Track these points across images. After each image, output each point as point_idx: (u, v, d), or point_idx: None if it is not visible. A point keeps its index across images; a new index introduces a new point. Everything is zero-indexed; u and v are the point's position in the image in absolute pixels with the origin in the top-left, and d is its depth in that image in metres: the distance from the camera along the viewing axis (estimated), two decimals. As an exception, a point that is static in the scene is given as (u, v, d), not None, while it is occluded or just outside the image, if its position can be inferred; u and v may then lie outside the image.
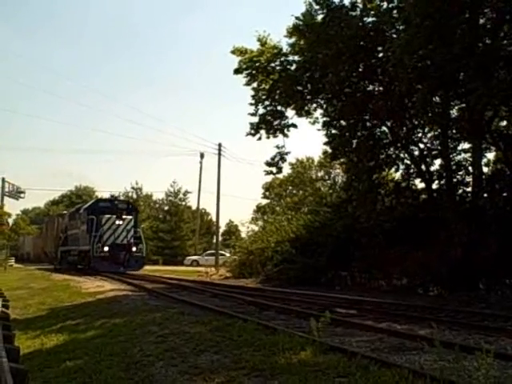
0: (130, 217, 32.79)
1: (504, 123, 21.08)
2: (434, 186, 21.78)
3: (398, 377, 5.69)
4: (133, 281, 23.09)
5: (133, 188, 70.20)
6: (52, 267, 41.47)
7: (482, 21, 17.94)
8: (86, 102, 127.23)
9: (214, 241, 50.12)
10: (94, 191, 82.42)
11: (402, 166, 23.06)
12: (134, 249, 31.54)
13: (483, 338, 8.39)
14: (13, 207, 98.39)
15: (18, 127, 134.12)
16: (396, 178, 25.13)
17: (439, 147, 21.56)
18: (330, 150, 25.73)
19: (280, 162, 25.47)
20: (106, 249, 30.55)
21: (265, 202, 65.66)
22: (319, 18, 22.01)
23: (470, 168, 20.73)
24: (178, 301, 14.81)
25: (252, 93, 24.91)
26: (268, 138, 25.11)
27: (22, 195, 58.37)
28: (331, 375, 6.09)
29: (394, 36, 19.56)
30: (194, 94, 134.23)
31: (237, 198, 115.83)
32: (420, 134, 22.61)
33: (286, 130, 25.01)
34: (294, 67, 23.80)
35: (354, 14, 21.33)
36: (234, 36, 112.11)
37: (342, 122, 23.59)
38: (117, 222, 31.40)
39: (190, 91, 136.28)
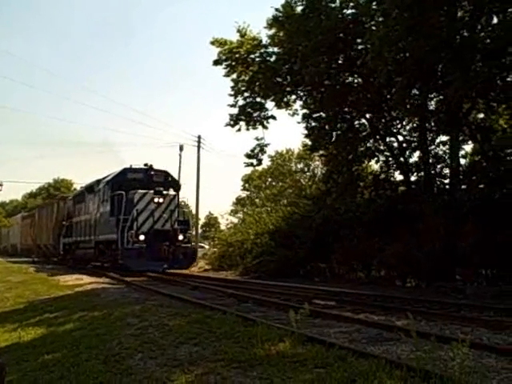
0: (174, 193, 24.52)
1: (481, 115, 21.30)
2: (413, 178, 22.00)
3: (376, 367, 5.75)
4: (112, 274, 22.95)
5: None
6: (40, 260, 38.21)
7: (459, 13, 18.08)
8: (61, 93, 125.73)
9: (194, 233, 50.01)
10: (72, 183, 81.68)
11: (381, 158, 23.24)
12: (180, 237, 23.12)
13: (459, 329, 8.50)
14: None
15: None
16: (375, 170, 25.30)
17: (417, 139, 21.74)
18: (309, 143, 25.81)
19: (260, 154, 25.57)
20: (141, 238, 22.02)
21: (244, 194, 65.71)
22: (299, 9, 22.05)
23: (447, 160, 20.94)
24: (158, 293, 14.78)
25: (231, 84, 24.93)
26: (248, 129, 25.21)
27: (-1, 188, 57.49)
28: (309, 366, 6.13)
29: (374, 28, 19.62)
30: (174, 85, 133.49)
31: (216, 189, 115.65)
32: (399, 126, 22.80)
33: (265, 122, 25.10)
34: (273, 59, 23.83)
35: (333, 5, 21.40)
36: (218, 26, 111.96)
37: (322, 114, 23.68)
38: (155, 200, 22.88)
39: (170, 83, 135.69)
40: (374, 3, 19.86)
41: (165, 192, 23.52)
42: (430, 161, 21.09)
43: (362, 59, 20.65)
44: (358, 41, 21.17)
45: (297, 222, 24.89)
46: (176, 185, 25.97)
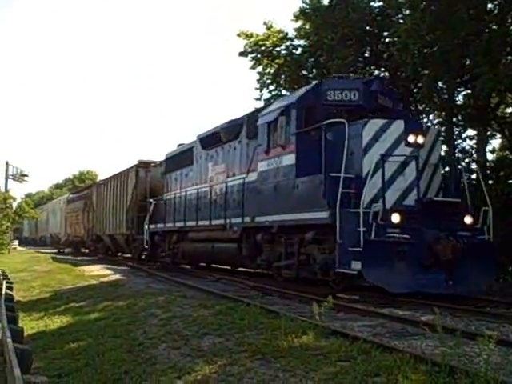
0: (436, 128, 14.69)
1: (510, 110, 20.99)
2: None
3: (400, 361, 5.71)
4: (136, 265, 23.05)
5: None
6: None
7: (489, 5, 17.80)
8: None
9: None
10: (97, 175, 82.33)
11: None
12: (467, 219, 11.56)
13: (485, 325, 8.40)
14: (17, 191, 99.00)
15: None
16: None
17: (444, 134, 21.48)
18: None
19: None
20: (395, 218, 10.63)
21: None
22: (326, 1, 21.92)
23: (474, 155, 20.67)
24: (181, 285, 14.85)
25: (257, 77, 24.97)
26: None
27: (25, 178, 58.22)
28: (333, 359, 6.11)
29: (401, 21, 19.43)
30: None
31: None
32: (425, 120, 22.54)
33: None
34: (299, 52, 23.75)
35: (360, -2, 21.22)
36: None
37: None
38: (411, 140, 11.45)
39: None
40: (402, -4, 19.67)
41: (425, 125, 13.34)
42: (457, 155, 20.83)
43: (388, 52, 20.49)
44: (385, 34, 20.99)
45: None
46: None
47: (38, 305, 13.36)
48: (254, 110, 15.95)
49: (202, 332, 8.00)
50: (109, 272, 19.95)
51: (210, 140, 17.83)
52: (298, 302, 11.14)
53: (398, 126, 11.55)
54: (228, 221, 15.86)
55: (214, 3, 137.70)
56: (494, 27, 17.27)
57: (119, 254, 30.26)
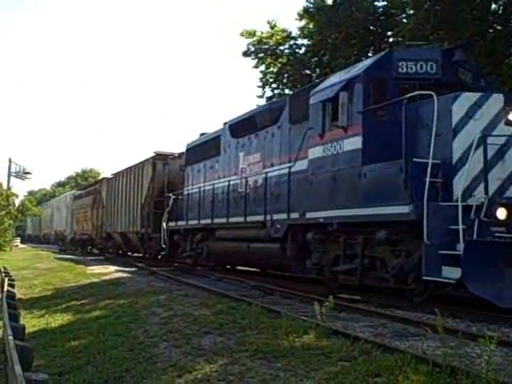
0: None
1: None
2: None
3: (401, 362, 5.69)
4: (138, 263, 23.03)
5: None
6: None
7: (493, 6, 17.79)
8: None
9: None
10: (99, 173, 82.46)
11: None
12: None
13: (486, 326, 8.38)
14: (20, 188, 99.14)
15: None
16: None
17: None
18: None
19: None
20: (500, 214, 8.68)
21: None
22: (330, 1, 21.93)
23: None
24: (183, 283, 14.84)
25: (260, 76, 25.00)
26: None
27: (28, 176, 58.24)
28: (334, 359, 6.10)
29: (405, 21, 19.43)
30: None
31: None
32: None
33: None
34: (302, 51, 23.76)
35: (364, -3, 21.23)
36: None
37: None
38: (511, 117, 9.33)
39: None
40: (406, -5, 19.67)
41: None
42: None
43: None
44: (389, 33, 21.01)
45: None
46: None
47: (39, 302, 13.37)
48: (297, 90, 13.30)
49: (203, 331, 7.99)
50: (110, 270, 19.95)
51: (241, 127, 15.92)
52: (299, 302, 11.12)
53: (496, 101, 9.50)
54: (268, 217, 13.71)
55: (215, 3, 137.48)
56: (498, 28, 17.27)
57: (129, 253, 29.01)
